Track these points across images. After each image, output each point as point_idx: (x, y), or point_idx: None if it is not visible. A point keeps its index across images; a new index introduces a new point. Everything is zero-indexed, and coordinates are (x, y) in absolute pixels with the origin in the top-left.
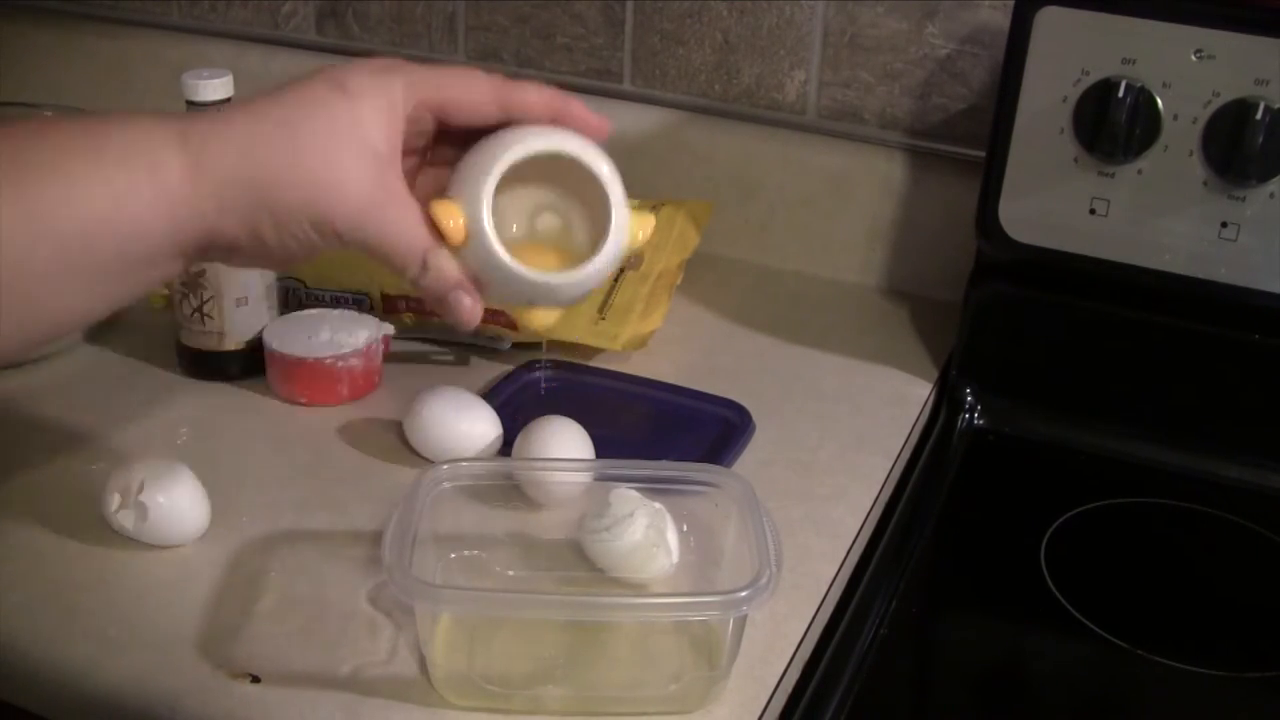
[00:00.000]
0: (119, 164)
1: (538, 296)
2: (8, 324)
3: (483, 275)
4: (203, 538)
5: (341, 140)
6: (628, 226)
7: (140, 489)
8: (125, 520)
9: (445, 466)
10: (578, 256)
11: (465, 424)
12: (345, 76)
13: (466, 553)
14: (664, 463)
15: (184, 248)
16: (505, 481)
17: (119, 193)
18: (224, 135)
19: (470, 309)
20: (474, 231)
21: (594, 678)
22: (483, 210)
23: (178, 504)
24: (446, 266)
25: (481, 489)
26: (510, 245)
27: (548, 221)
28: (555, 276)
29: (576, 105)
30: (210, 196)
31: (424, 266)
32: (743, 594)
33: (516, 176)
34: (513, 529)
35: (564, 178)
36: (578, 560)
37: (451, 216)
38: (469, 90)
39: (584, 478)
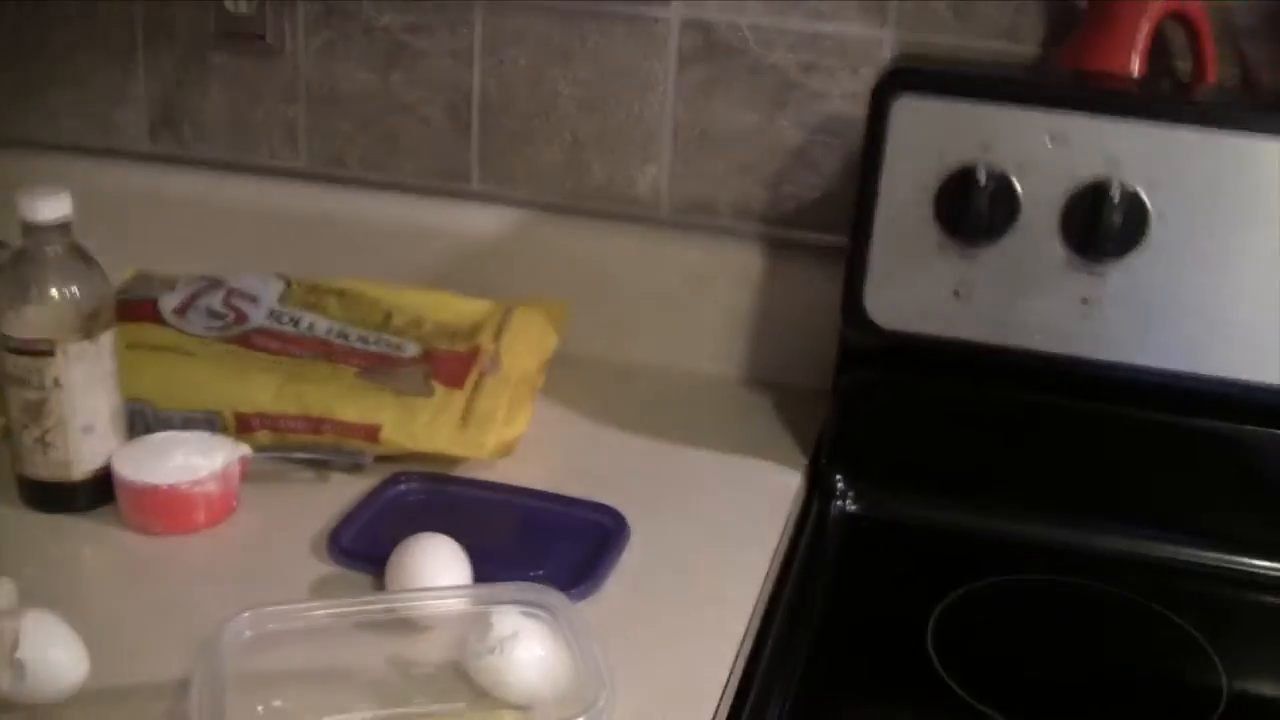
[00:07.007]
0: None
1: None
2: None
3: None
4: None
5: None
6: None
7: (14, 646)
8: (1, 681)
9: (246, 615)
10: None
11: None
12: None
13: (275, 703)
14: (484, 586)
15: None
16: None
17: None
18: None
19: None
20: None
21: None
22: None
23: (55, 657)
24: None
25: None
26: None
27: None
28: None
29: None
30: None
31: None
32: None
33: None
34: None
35: None
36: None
37: None
38: None
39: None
